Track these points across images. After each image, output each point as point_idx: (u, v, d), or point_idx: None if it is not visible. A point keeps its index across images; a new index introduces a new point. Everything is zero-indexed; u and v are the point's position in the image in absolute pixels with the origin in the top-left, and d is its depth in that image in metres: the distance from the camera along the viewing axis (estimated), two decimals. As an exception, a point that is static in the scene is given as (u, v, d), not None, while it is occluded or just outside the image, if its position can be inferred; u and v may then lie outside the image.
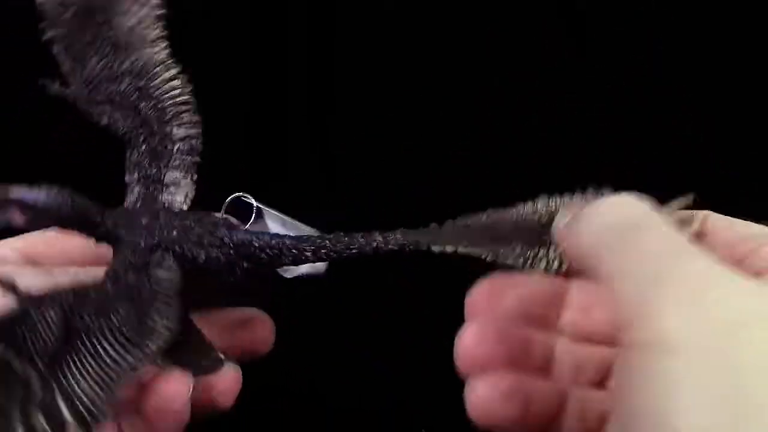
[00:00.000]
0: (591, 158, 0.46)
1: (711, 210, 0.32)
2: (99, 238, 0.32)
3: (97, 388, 0.27)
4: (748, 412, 0.23)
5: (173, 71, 0.34)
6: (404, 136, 0.47)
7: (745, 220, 0.32)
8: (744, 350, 0.23)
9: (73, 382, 0.27)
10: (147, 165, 0.34)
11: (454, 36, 0.48)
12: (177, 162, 0.34)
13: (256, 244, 0.32)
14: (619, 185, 0.48)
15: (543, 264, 0.32)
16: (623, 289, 0.26)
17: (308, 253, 0.32)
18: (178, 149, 0.34)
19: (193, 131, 0.35)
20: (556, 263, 0.33)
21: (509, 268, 0.33)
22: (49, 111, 0.47)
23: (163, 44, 0.35)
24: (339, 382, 0.43)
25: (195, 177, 0.34)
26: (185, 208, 0.34)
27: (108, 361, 0.28)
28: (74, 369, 0.27)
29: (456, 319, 0.32)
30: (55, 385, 0.27)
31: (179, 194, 0.34)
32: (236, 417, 0.37)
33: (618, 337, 0.27)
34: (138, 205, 0.33)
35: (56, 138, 0.46)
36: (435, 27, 0.48)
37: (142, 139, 0.34)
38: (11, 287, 0.30)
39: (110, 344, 0.28)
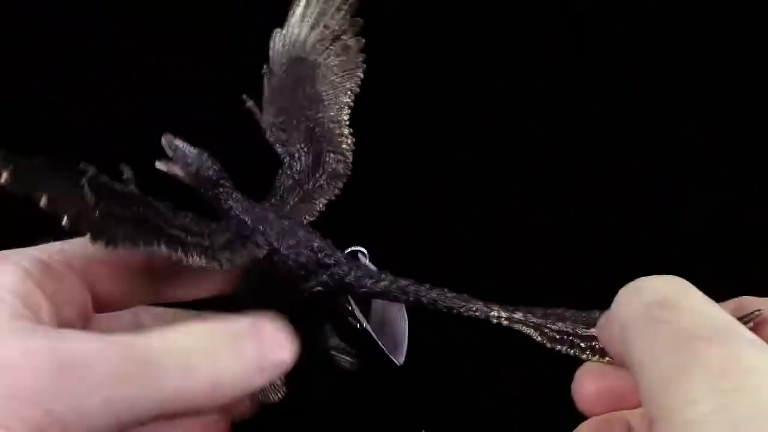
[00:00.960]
0: (591, 158, 0.46)
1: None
2: (212, 202, 0.36)
3: None
4: None
5: (346, 131, 0.40)
6: (403, 136, 0.47)
7: (743, 219, 0.32)
8: None
9: None
10: (293, 183, 0.39)
11: (454, 36, 0.48)
12: (320, 183, 0.39)
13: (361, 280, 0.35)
14: (619, 185, 0.49)
15: (583, 353, 0.32)
16: (651, 376, 0.24)
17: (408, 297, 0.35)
18: (325, 177, 0.39)
19: (341, 167, 0.39)
20: (593, 354, 0.32)
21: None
22: (62, 92, 0.48)
23: (348, 108, 0.41)
24: (337, 381, 0.43)
25: (328, 200, 0.38)
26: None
27: None
28: None
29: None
30: None
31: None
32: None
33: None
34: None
35: (70, 119, 0.47)
36: (435, 27, 0.48)
37: (298, 163, 0.39)
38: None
39: None
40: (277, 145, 0.40)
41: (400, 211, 0.46)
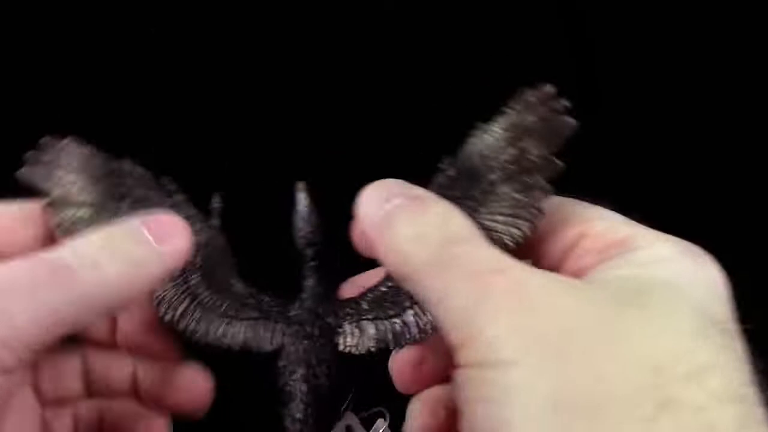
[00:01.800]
0: (591, 158, 0.46)
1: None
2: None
3: None
4: (577, 419, 0.23)
5: None
6: (402, 136, 0.47)
7: (744, 223, 0.32)
8: (571, 357, 0.24)
9: None
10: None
11: (454, 35, 0.48)
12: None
13: None
14: (619, 184, 0.49)
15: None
16: (451, 307, 0.26)
17: None
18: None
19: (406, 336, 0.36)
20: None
21: None
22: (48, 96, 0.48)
23: None
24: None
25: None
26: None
27: None
28: None
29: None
30: None
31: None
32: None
33: (452, 359, 0.26)
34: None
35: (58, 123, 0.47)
36: (435, 27, 0.48)
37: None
38: None
39: None
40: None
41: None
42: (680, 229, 0.29)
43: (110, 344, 0.35)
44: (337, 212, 0.39)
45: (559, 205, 0.31)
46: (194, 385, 0.36)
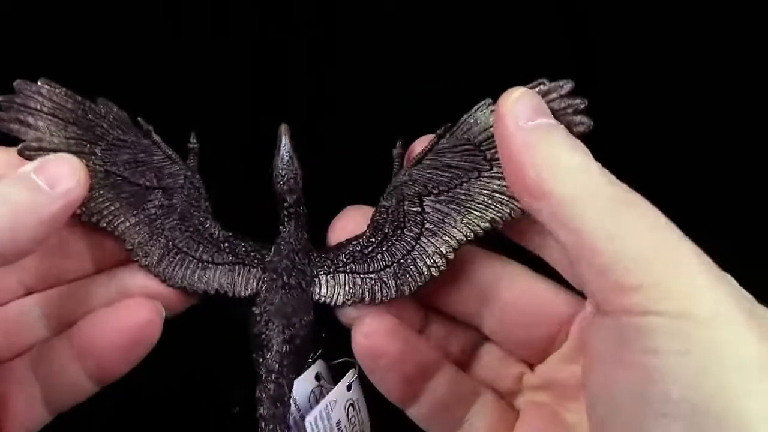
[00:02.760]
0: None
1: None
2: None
3: None
4: None
5: (440, 261, 0.37)
6: (401, 136, 0.47)
7: (745, 224, 0.32)
8: None
9: None
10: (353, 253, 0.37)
11: (454, 35, 0.48)
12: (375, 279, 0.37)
13: None
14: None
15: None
16: (628, 248, 0.25)
17: None
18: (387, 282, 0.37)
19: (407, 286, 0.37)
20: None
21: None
22: None
23: (468, 238, 0.37)
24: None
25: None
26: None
27: None
28: None
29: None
30: None
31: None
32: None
33: (598, 300, 0.25)
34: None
35: None
36: (434, 26, 0.48)
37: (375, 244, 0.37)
38: None
39: None
40: (380, 211, 0.37)
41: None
42: (679, 227, 0.29)
43: None
44: (318, 158, 0.39)
45: None
46: None
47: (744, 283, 0.27)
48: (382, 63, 0.48)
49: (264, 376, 0.36)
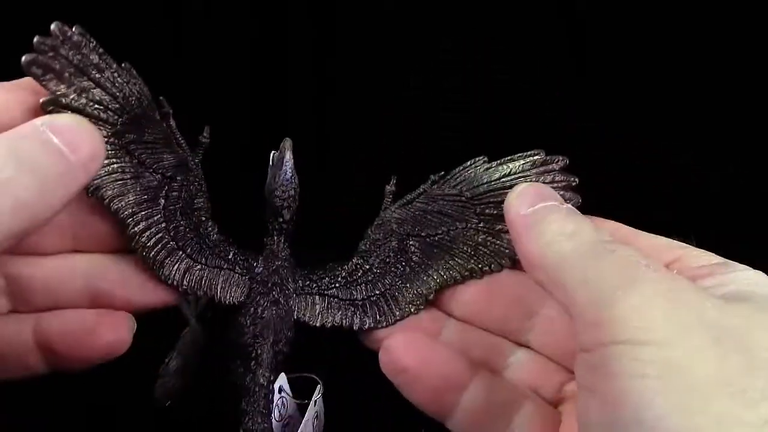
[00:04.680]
0: (590, 159, 0.46)
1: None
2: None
3: None
4: (737, 402, 0.24)
5: (413, 309, 0.38)
6: (401, 136, 0.47)
7: (744, 223, 0.32)
8: (726, 344, 0.25)
9: None
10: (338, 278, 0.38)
11: (454, 35, 0.48)
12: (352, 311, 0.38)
13: None
14: (618, 181, 0.49)
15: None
16: (597, 289, 0.27)
17: None
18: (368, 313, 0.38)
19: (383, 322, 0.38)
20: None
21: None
22: None
23: (441, 285, 0.38)
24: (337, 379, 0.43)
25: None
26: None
27: None
28: None
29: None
30: None
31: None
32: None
33: (579, 342, 0.28)
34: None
35: None
36: (434, 26, 0.48)
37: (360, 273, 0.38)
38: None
39: None
40: (366, 242, 0.38)
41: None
42: (679, 227, 0.29)
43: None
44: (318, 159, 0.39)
45: (644, 236, 0.33)
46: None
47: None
48: (382, 63, 0.48)
49: (254, 389, 0.36)
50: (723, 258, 0.30)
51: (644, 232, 0.34)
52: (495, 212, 0.37)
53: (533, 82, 0.48)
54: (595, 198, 0.35)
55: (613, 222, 0.34)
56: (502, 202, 0.33)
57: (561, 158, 0.36)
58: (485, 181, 0.37)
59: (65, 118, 0.30)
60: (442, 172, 0.38)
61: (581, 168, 0.37)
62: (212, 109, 0.46)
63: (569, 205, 0.33)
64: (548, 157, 0.37)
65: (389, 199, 0.39)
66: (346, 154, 0.47)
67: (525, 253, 0.31)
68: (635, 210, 0.36)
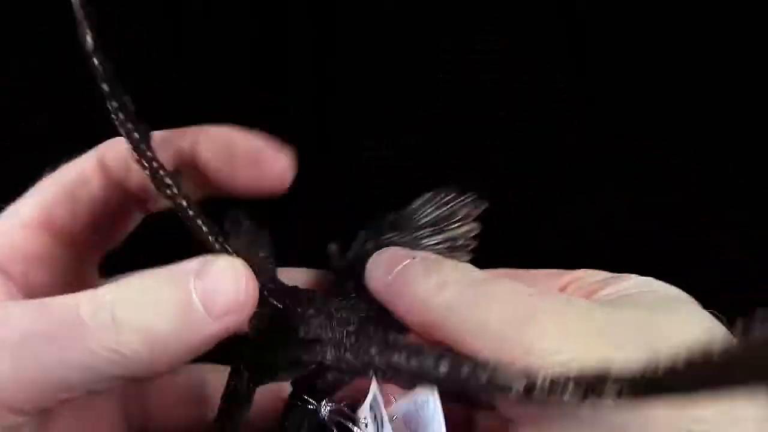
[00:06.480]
0: (590, 159, 0.46)
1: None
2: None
3: None
4: None
5: None
6: (401, 136, 0.47)
7: (744, 223, 0.32)
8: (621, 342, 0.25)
9: None
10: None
11: (454, 35, 0.48)
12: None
13: None
14: (617, 180, 0.49)
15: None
16: (493, 334, 0.26)
17: None
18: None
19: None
20: None
21: None
22: (30, 98, 0.48)
23: None
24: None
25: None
26: None
27: None
28: None
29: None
30: None
31: None
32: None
33: None
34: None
35: (39, 125, 0.46)
36: (434, 26, 0.48)
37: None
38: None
39: None
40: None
41: (395, 206, 0.46)
42: (678, 226, 0.29)
43: None
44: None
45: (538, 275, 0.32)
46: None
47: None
48: (381, 63, 0.48)
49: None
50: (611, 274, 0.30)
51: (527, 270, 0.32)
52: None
53: (533, 82, 0.48)
54: (595, 198, 0.35)
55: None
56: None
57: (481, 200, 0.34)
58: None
59: (221, 261, 0.25)
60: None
61: (581, 168, 0.37)
62: (212, 109, 0.46)
63: (429, 254, 0.31)
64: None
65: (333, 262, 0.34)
66: (346, 154, 0.47)
67: (409, 318, 0.28)
68: (635, 210, 0.36)
